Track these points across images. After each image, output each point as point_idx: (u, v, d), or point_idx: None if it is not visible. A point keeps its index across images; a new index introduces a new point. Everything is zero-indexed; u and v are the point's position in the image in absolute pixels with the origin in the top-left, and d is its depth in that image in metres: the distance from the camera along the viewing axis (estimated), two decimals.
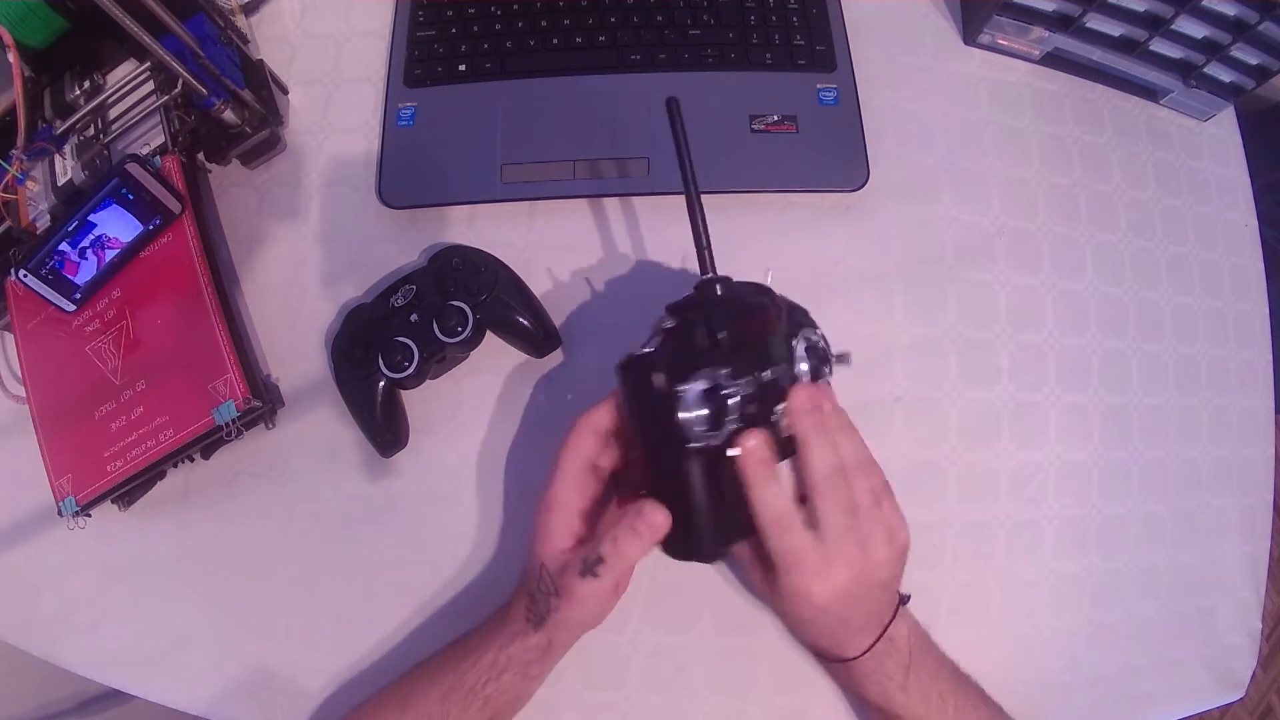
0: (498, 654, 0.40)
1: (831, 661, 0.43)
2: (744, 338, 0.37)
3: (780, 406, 0.37)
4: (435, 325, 0.46)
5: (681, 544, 0.39)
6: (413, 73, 0.56)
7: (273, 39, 0.58)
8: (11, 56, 0.49)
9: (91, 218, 0.49)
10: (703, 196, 0.54)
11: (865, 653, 0.40)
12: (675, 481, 0.37)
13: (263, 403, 0.48)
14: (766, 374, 0.37)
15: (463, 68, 0.56)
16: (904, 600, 0.42)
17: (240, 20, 0.57)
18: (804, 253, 0.53)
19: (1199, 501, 0.55)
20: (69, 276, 0.50)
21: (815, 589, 0.37)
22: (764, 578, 0.40)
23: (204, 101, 0.50)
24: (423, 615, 0.48)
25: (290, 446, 0.51)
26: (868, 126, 0.54)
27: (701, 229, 0.40)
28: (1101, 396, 0.54)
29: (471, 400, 0.51)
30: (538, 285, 0.51)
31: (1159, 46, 0.56)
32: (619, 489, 0.43)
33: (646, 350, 0.38)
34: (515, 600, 0.42)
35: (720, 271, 0.40)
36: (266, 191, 0.55)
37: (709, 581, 0.49)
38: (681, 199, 0.54)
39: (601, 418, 0.40)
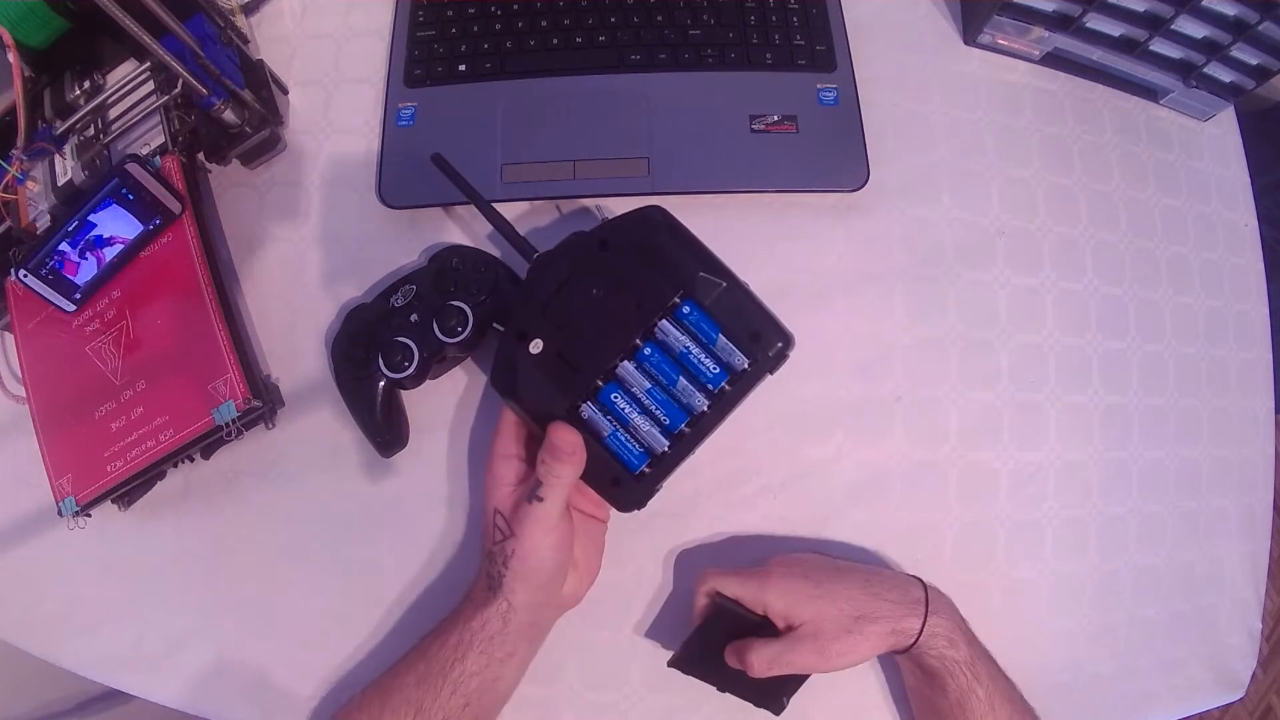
0: (461, 632, 0.40)
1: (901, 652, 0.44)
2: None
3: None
4: (435, 325, 0.46)
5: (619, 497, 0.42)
6: (413, 73, 0.56)
7: (273, 39, 0.58)
8: (11, 56, 0.49)
9: (91, 218, 0.49)
10: (703, 196, 0.55)
11: (922, 628, 0.42)
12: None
13: (263, 403, 0.48)
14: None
15: (463, 68, 0.55)
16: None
17: (240, 20, 0.57)
18: (804, 253, 0.53)
19: (1199, 501, 0.55)
20: (69, 276, 0.50)
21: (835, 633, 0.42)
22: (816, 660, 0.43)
23: (204, 101, 0.50)
24: (422, 615, 0.48)
25: (290, 446, 0.51)
26: (868, 126, 0.54)
27: (509, 227, 0.46)
28: (1101, 396, 0.54)
29: (471, 400, 0.51)
30: None
31: (1159, 46, 0.56)
32: None
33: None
34: (477, 575, 0.43)
35: None
36: (266, 191, 0.55)
37: None
38: (682, 199, 0.54)
39: None
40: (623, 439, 0.41)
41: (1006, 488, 0.51)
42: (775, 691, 0.44)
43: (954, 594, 0.45)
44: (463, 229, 0.54)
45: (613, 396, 0.41)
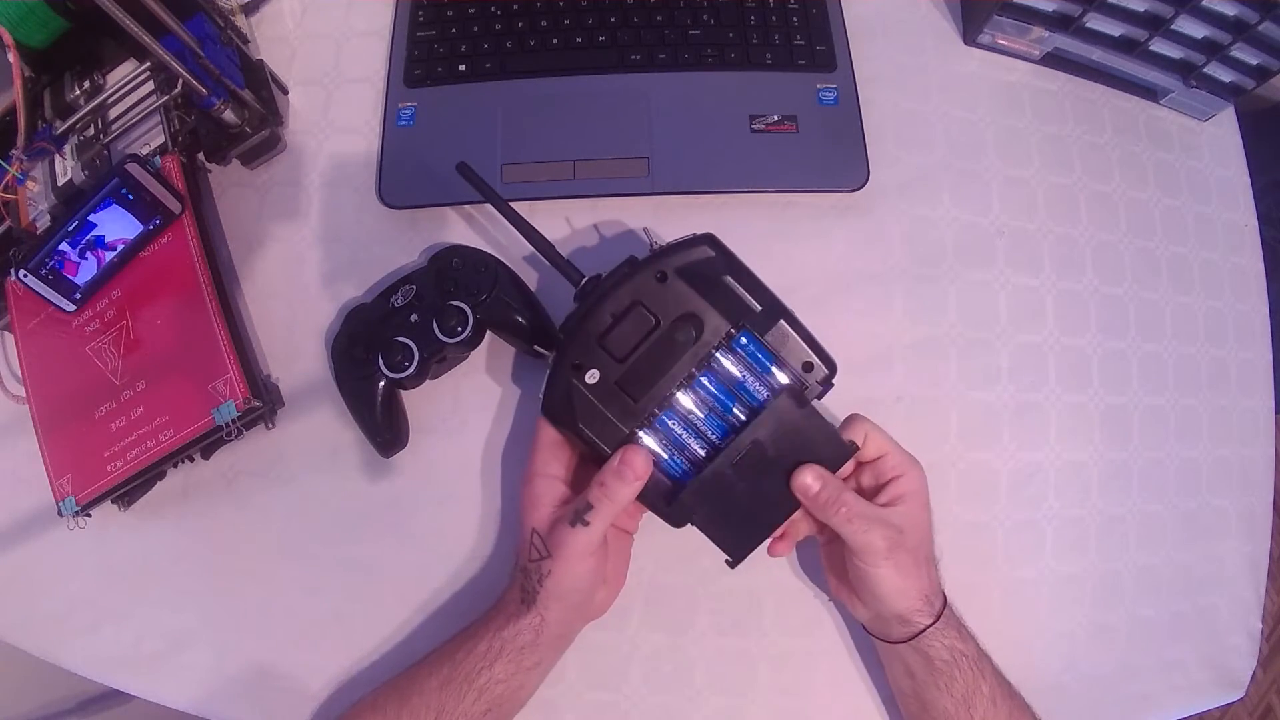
0: (492, 640, 0.40)
1: (910, 637, 0.43)
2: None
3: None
4: (435, 325, 0.46)
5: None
6: (413, 73, 0.56)
7: (273, 39, 0.58)
8: (11, 56, 0.49)
9: (91, 218, 0.49)
10: (703, 196, 0.55)
11: (944, 607, 0.43)
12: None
13: (263, 403, 0.48)
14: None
15: (463, 68, 0.55)
16: None
17: (240, 20, 0.57)
18: (804, 253, 0.53)
19: (1199, 501, 0.55)
20: (69, 276, 0.50)
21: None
22: (840, 577, 0.44)
23: (204, 101, 0.50)
24: (422, 615, 0.48)
25: (290, 446, 0.51)
26: (868, 126, 0.54)
27: (552, 250, 0.45)
28: (1101, 396, 0.54)
29: (471, 400, 0.51)
30: (537, 285, 0.51)
31: (1159, 46, 0.56)
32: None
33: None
34: (510, 585, 0.43)
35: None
36: (266, 191, 0.55)
37: (708, 582, 0.49)
38: (682, 199, 0.54)
39: None
40: (678, 461, 0.42)
41: (1006, 488, 0.51)
42: (745, 537, 0.42)
43: (954, 594, 0.45)
44: (463, 229, 0.54)
45: (669, 423, 0.41)
